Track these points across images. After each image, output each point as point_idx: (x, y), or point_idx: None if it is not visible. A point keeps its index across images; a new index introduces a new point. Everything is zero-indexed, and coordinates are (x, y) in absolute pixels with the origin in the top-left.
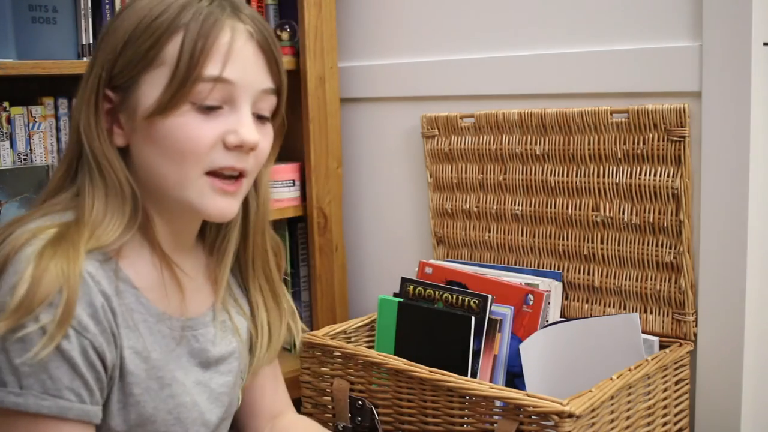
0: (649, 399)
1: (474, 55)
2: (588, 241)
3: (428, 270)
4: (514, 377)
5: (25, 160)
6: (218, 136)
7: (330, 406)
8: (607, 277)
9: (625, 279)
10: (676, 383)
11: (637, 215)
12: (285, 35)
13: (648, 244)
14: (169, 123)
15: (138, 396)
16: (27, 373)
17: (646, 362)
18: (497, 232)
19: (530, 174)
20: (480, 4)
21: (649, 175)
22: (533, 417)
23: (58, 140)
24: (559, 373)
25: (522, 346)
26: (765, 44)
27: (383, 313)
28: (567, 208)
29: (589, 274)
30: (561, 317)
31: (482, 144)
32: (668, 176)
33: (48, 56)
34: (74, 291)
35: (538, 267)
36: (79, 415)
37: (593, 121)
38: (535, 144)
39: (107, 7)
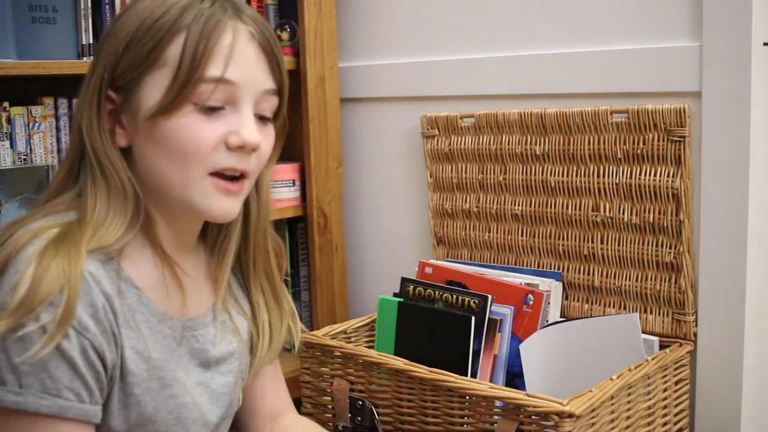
0: (649, 399)
1: (474, 55)
2: (588, 241)
3: (428, 270)
4: (514, 377)
5: (25, 160)
6: (220, 136)
7: (330, 406)
8: (607, 277)
9: (625, 279)
10: (676, 383)
11: (637, 215)
12: (285, 35)
13: (648, 244)
14: (171, 124)
15: (139, 396)
16: (27, 372)
17: (646, 362)
18: (497, 232)
19: (530, 174)
20: (480, 4)
21: (649, 175)
22: (533, 417)
23: (58, 140)
24: (559, 373)
25: (522, 346)
26: (765, 44)
27: (383, 313)
28: (567, 208)
29: (589, 274)
30: (561, 317)
31: (482, 144)
32: (668, 176)
33: (48, 56)
34: (75, 291)
35: (538, 267)
36: (78, 415)
37: (593, 121)
38: (535, 144)
39: (107, 7)
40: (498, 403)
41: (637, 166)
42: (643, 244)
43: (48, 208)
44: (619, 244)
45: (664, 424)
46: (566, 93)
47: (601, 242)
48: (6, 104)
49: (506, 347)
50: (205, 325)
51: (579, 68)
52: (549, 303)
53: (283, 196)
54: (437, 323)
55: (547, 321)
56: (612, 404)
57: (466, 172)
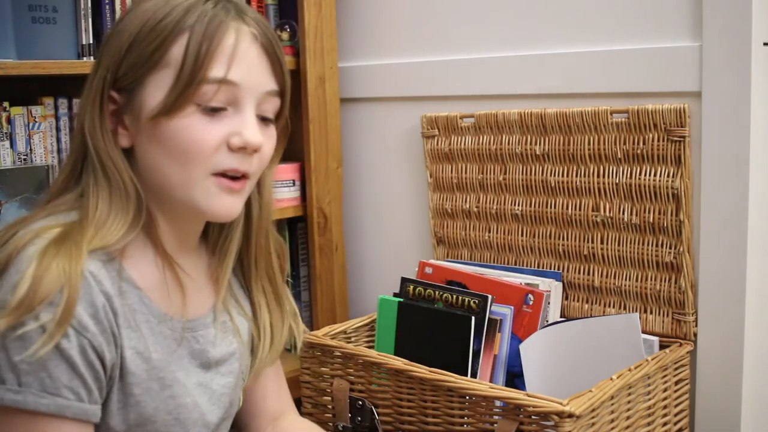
0: (649, 399)
1: (474, 55)
2: (588, 241)
3: (428, 270)
4: (514, 377)
5: (25, 160)
6: (222, 137)
7: (330, 406)
8: (607, 277)
9: (625, 279)
10: (676, 383)
11: (637, 215)
12: (285, 35)
13: (648, 244)
14: (173, 124)
15: (138, 396)
16: (26, 370)
17: (646, 362)
18: (497, 232)
19: (530, 174)
20: (480, 5)
21: (649, 175)
22: (533, 417)
23: (58, 140)
24: (559, 373)
25: (522, 346)
26: (765, 44)
27: (383, 313)
28: (567, 208)
29: (589, 274)
30: (561, 317)
31: (482, 144)
32: (668, 176)
33: (48, 56)
34: (75, 290)
35: (538, 267)
36: (77, 414)
37: (593, 121)
38: (535, 144)
39: (107, 7)
40: (498, 403)
41: (637, 166)
42: (643, 244)
43: (50, 208)
44: (619, 244)
45: (664, 424)
46: (566, 93)
47: (601, 242)
48: (6, 104)
49: (506, 347)
50: (206, 326)
51: (579, 68)
52: (549, 303)
53: (283, 196)
54: (437, 323)
55: (547, 321)
56: (612, 404)
57: (466, 172)
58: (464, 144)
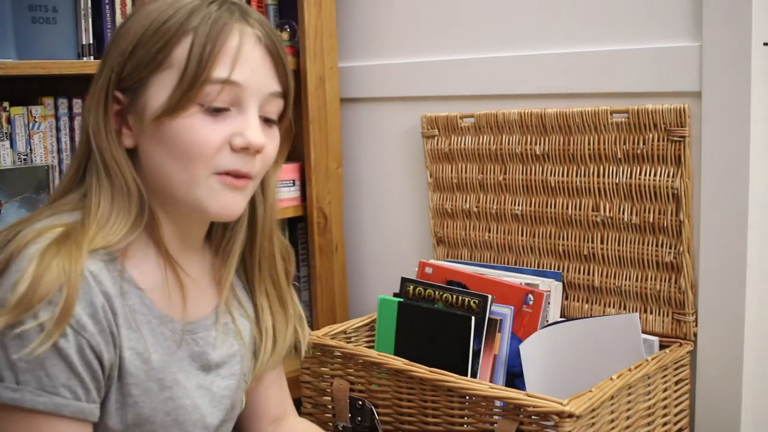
0: (649, 399)
1: (474, 55)
2: (588, 241)
3: (428, 270)
4: (514, 377)
5: (25, 160)
6: (225, 138)
7: (330, 406)
8: (607, 277)
9: (625, 279)
10: (676, 383)
11: (637, 215)
12: (285, 35)
13: (648, 244)
14: (176, 124)
15: (136, 397)
16: (24, 369)
17: (646, 362)
18: (497, 232)
19: (530, 174)
20: (480, 5)
21: (649, 175)
22: (533, 417)
23: (58, 140)
24: (559, 373)
25: (522, 346)
26: (765, 44)
27: (383, 313)
28: (567, 208)
29: (589, 274)
30: (561, 317)
31: (482, 144)
32: (668, 176)
33: (48, 56)
34: (74, 290)
35: (538, 267)
36: (74, 413)
37: (593, 121)
38: (535, 144)
39: (107, 7)
40: (498, 403)
41: (637, 166)
42: (643, 244)
43: (54, 207)
44: (619, 244)
45: (664, 424)
46: (566, 93)
47: (601, 242)
48: (6, 104)
49: (506, 347)
50: (206, 328)
51: (579, 68)
52: (549, 303)
53: (283, 196)
54: (437, 323)
55: (547, 321)
56: (612, 404)
57: (466, 172)
58: (464, 144)
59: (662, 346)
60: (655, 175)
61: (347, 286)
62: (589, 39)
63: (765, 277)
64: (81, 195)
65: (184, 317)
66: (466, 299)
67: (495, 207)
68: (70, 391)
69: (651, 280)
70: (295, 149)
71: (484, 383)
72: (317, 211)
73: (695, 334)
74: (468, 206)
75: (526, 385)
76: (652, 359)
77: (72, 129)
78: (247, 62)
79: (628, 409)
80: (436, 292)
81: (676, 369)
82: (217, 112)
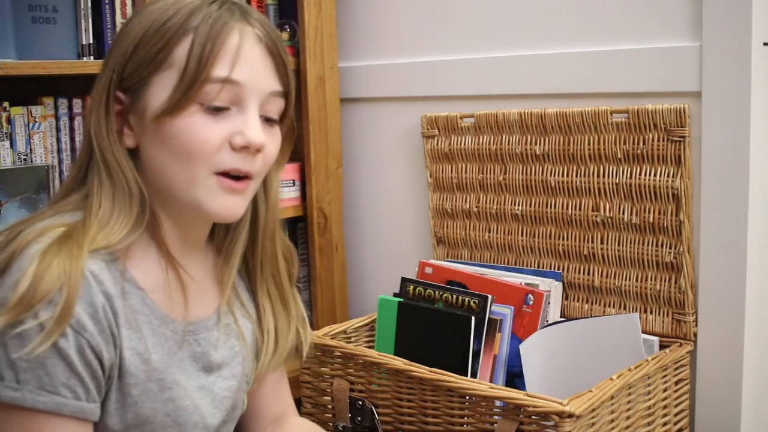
0: (649, 399)
1: (474, 55)
2: (588, 241)
3: (428, 270)
4: (514, 377)
5: (25, 160)
6: (225, 136)
7: (330, 406)
8: (607, 277)
9: (625, 279)
10: (676, 383)
11: (637, 215)
12: (285, 35)
13: (648, 244)
14: (177, 124)
15: (136, 397)
16: (24, 368)
17: (646, 362)
18: (497, 232)
19: (530, 174)
20: (480, 5)
21: (649, 175)
22: (533, 417)
23: (58, 140)
24: (559, 373)
25: (522, 346)
26: (765, 44)
27: (383, 313)
28: (567, 208)
29: (589, 274)
30: (561, 317)
31: (482, 144)
32: (668, 176)
33: (48, 56)
34: (75, 290)
35: (538, 267)
36: (74, 412)
37: (593, 121)
38: (535, 144)
39: (107, 7)
40: (498, 403)
41: (637, 166)
42: (643, 244)
43: (57, 207)
44: (619, 244)
45: (664, 424)
46: (566, 93)
47: (601, 242)
48: (6, 104)
49: (506, 347)
50: (208, 328)
51: (579, 68)
52: (549, 303)
53: (283, 196)
54: (437, 323)
55: (547, 321)
56: (612, 404)
57: (466, 172)
58: (464, 144)
59: (662, 346)
60: (655, 175)
61: (347, 286)
62: (589, 39)
63: (765, 277)
64: (83, 195)
65: (186, 318)
66: (466, 299)
67: (495, 207)
68: (70, 390)
69: (651, 280)
70: (295, 149)
71: (484, 383)
72: (317, 211)
73: (695, 334)
74: (468, 206)
75: (526, 385)
76: (652, 359)
77: (72, 129)
78: (247, 61)
79: (628, 409)
80: (436, 292)
81: (676, 369)
82: (217, 111)
